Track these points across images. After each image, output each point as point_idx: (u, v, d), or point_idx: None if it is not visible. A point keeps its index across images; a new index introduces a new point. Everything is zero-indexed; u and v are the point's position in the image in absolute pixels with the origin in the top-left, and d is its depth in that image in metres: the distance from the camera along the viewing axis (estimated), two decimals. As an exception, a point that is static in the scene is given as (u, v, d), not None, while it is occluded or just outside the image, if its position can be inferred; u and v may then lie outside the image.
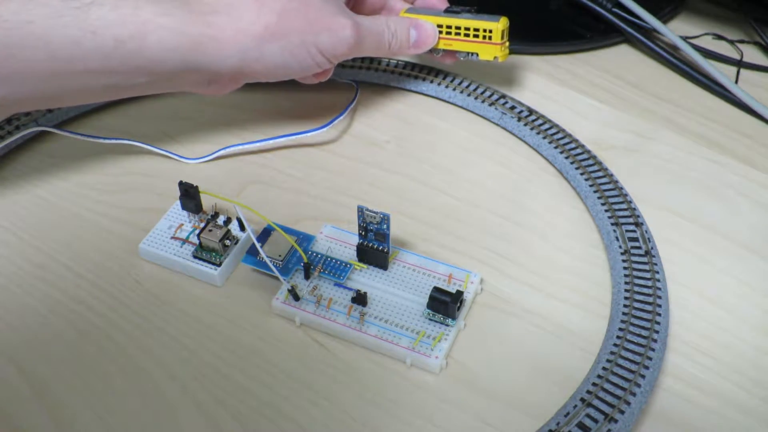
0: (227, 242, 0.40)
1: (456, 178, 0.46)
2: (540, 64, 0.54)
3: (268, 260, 0.38)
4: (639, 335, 0.36)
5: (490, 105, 0.49)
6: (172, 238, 0.41)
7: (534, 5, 0.58)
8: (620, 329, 0.37)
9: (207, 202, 0.42)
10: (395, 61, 0.52)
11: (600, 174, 0.44)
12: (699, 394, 0.36)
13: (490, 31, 0.46)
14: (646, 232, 0.41)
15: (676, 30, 0.54)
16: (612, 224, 0.41)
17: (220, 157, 0.47)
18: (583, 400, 0.34)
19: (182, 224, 0.42)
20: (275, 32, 0.38)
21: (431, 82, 0.51)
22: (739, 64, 0.54)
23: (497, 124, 0.49)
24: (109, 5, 0.35)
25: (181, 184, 0.41)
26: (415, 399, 0.35)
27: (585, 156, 0.45)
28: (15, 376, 0.36)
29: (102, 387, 0.36)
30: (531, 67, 0.54)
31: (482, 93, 0.50)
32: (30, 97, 0.36)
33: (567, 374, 0.36)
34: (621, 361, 0.35)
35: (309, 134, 0.48)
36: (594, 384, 0.34)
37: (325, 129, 0.47)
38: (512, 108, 0.49)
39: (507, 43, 0.47)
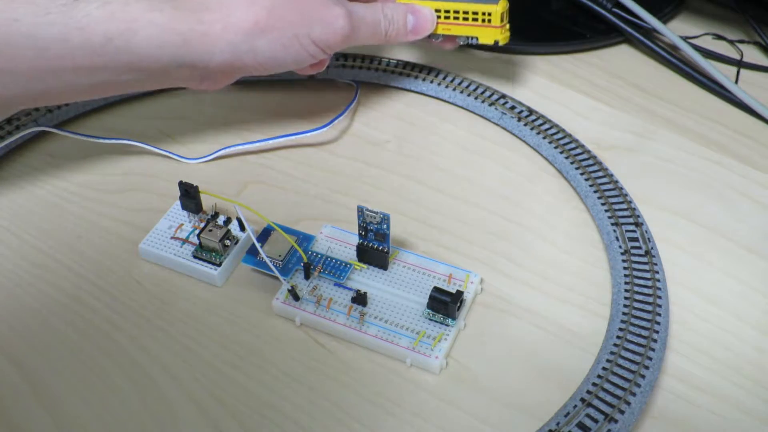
0: (227, 242, 0.40)
1: (456, 178, 0.46)
2: (540, 64, 0.54)
3: (268, 260, 0.38)
4: (639, 335, 0.36)
5: (490, 105, 0.49)
6: (172, 238, 0.41)
7: (534, 5, 0.58)
8: (620, 329, 0.37)
9: (207, 202, 0.42)
10: (395, 61, 0.52)
11: (600, 174, 0.44)
12: (699, 394, 0.36)
13: (490, 14, 0.45)
14: (646, 232, 0.41)
15: (676, 30, 0.54)
16: (612, 224, 0.41)
17: (220, 157, 0.47)
18: (583, 400, 0.34)
19: (182, 224, 0.42)
20: (266, 26, 0.38)
21: (431, 82, 0.51)
22: (739, 64, 0.54)
23: (497, 124, 0.49)
24: (97, 2, 0.35)
25: (181, 184, 0.41)
26: (415, 399, 0.35)
27: (585, 156, 0.45)
28: (15, 376, 0.36)
29: (102, 387, 0.36)
30: (531, 67, 0.54)
31: (482, 93, 0.50)
32: (19, 95, 0.36)
33: (567, 374, 0.36)
34: (621, 361, 0.35)
35: (309, 134, 0.48)
36: (594, 384, 0.34)
37: (325, 129, 0.47)
38: (512, 108, 0.49)
39: (507, 26, 0.46)
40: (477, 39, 0.46)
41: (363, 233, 0.39)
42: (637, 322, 0.37)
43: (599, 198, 0.43)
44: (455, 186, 0.45)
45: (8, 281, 0.40)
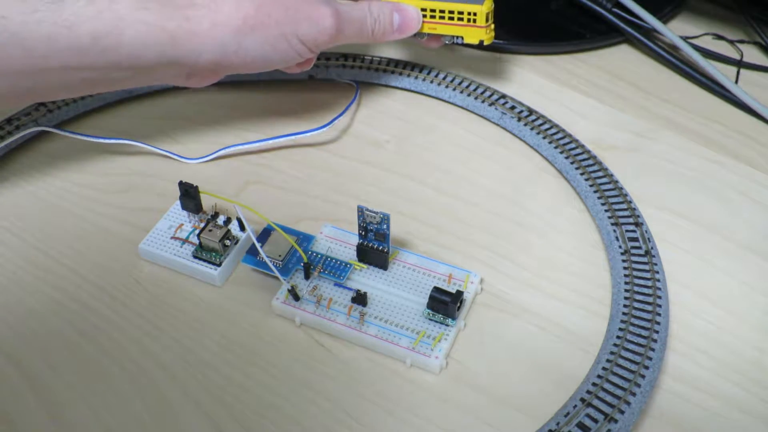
0: (227, 242, 0.40)
1: (456, 178, 0.46)
2: (540, 64, 0.54)
3: (268, 260, 0.38)
4: (639, 335, 0.36)
5: (490, 105, 0.49)
6: (172, 238, 0.41)
7: (534, 5, 0.58)
8: (620, 329, 0.37)
9: (207, 202, 0.42)
10: (395, 61, 0.52)
11: (600, 174, 0.44)
12: (699, 394, 0.36)
13: (475, 14, 0.45)
14: (646, 232, 0.41)
15: (676, 30, 0.54)
16: (612, 224, 0.41)
17: (220, 157, 0.47)
18: (583, 400, 0.34)
19: (182, 224, 0.42)
20: (254, 24, 0.38)
21: (431, 82, 0.51)
22: (739, 64, 0.54)
23: (497, 124, 0.49)
24: (83, 0, 0.34)
25: (181, 184, 0.41)
26: (415, 399, 0.35)
27: (585, 156, 0.45)
28: (15, 376, 0.36)
29: (102, 387, 0.36)
30: (531, 67, 0.54)
31: (482, 93, 0.50)
32: (5, 93, 0.36)
33: (567, 374, 0.36)
34: (621, 361, 0.35)
35: (309, 134, 0.48)
36: (594, 384, 0.34)
37: (325, 129, 0.47)
38: (512, 108, 0.49)
39: (492, 26, 0.46)
40: (462, 38, 0.46)
41: (363, 233, 0.39)
42: (637, 322, 0.37)
43: (599, 198, 0.43)
44: (455, 186, 0.45)
45: (8, 281, 0.40)
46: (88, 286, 0.40)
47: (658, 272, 0.39)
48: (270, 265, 0.38)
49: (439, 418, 0.35)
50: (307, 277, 0.39)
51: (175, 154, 0.47)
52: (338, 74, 0.51)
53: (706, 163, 0.47)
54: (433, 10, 0.46)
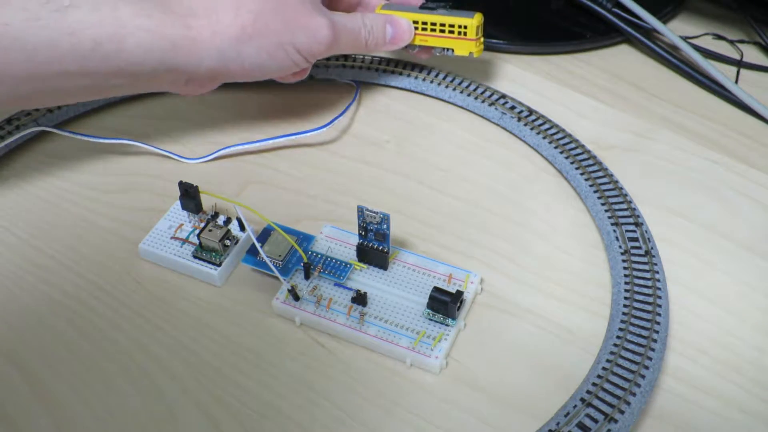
0: (227, 242, 0.40)
1: (456, 178, 0.46)
2: (540, 64, 0.54)
3: (268, 260, 0.38)
4: (639, 335, 0.36)
5: (490, 105, 0.49)
6: (172, 238, 0.41)
7: (534, 5, 0.58)
8: (620, 329, 0.37)
9: (207, 202, 0.42)
10: (395, 61, 0.52)
11: (600, 174, 0.44)
12: (699, 394, 0.36)
13: (465, 27, 0.46)
14: (646, 232, 0.41)
15: (676, 30, 0.54)
16: (612, 224, 0.41)
17: (220, 157, 0.47)
18: (583, 400, 0.34)
19: (182, 224, 0.42)
20: (252, 33, 0.39)
21: (431, 82, 0.51)
22: (739, 64, 0.54)
23: (497, 124, 0.49)
24: (87, 7, 0.35)
25: (181, 184, 0.41)
26: (415, 399, 0.35)
27: (585, 156, 0.45)
28: (15, 376, 0.36)
29: (102, 387, 0.36)
30: (531, 67, 0.54)
31: (482, 93, 0.50)
32: (6, 98, 0.36)
33: (567, 374, 0.36)
34: (621, 361, 0.35)
35: (309, 134, 0.48)
36: (594, 384, 0.35)
37: (325, 129, 0.47)
38: (512, 108, 0.49)
39: (482, 39, 0.47)
40: (453, 51, 0.47)
41: (363, 233, 0.39)
42: (637, 322, 0.37)
43: (599, 198, 0.43)
44: (455, 186, 0.46)
45: (8, 281, 0.40)
46: (88, 286, 0.40)
47: (658, 272, 0.39)
48: (270, 265, 0.38)
49: (439, 418, 0.35)
50: (307, 277, 0.39)
51: (175, 154, 0.47)
52: (338, 74, 0.51)
53: (706, 163, 0.47)
54: (424, 23, 0.47)
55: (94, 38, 0.35)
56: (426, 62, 0.52)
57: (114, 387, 0.36)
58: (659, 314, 0.37)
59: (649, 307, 0.37)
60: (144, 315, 0.39)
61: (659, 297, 0.38)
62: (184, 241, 0.41)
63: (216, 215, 0.41)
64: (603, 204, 0.43)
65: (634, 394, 0.34)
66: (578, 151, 0.46)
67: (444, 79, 0.51)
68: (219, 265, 0.40)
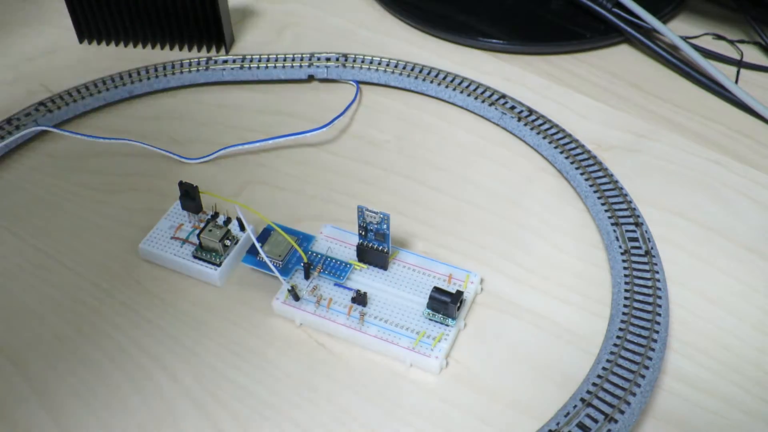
0: (227, 242, 0.40)
1: (456, 178, 0.46)
2: (540, 64, 0.54)
3: (268, 260, 0.38)
4: (639, 335, 0.36)
5: (490, 105, 0.49)
6: (172, 238, 0.41)
7: (534, 5, 0.58)
8: (620, 329, 0.37)
9: (207, 202, 0.42)
10: (395, 61, 0.52)
11: (600, 174, 0.44)
12: (699, 394, 0.36)
13: None
14: (646, 232, 0.41)
15: (676, 30, 0.54)
16: (612, 224, 0.41)
17: (220, 157, 0.47)
18: (583, 400, 0.34)
19: (182, 224, 0.42)
20: None
21: (431, 82, 0.51)
22: (739, 64, 0.54)
23: (497, 124, 0.49)
24: None
25: (181, 184, 0.41)
26: (415, 399, 0.35)
27: (585, 156, 0.45)
28: (15, 376, 0.36)
29: (102, 387, 0.36)
30: (531, 67, 0.54)
31: (482, 93, 0.50)
32: None
33: (567, 374, 0.36)
34: (621, 361, 0.35)
35: (309, 134, 0.48)
36: (594, 384, 0.35)
37: (325, 129, 0.47)
38: (512, 108, 0.49)
39: None
40: None
41: (363, 233, 0.39)
42: (637, 322, 0.37)
43: (599, 198, 0.43)
44: (455, 186, 0.46)
45: (8, 281, 0.40)
46: (88, 286, 0.40)
47: (658, 272, 0.39)
48: (270, 265, 0.38)
49: (439, 418, 0.35)
50: (307, 277, 0.39)
51: (175, 154, 0.47)
52: (338, 74, 0.51)
53: (706, 163, 0.47)
54: None
55: None
56: (427, 62, 0.52)
57: (114, 387, 0.36)
58: (659, 314, 0.37)
59: (649, 307, 0.37)
60: (144, 315, 0.39)
61: (659, 297, 0.38)
62: (184, 241, 0.41)
63: (216, 215, 0.41)
64: (603, 204, 0.43)
65: (634, 394, 0.34)
66: (578, 151, 0.46)
67: (444, 79, 0.51)
68: (219, 265, 0.40)
